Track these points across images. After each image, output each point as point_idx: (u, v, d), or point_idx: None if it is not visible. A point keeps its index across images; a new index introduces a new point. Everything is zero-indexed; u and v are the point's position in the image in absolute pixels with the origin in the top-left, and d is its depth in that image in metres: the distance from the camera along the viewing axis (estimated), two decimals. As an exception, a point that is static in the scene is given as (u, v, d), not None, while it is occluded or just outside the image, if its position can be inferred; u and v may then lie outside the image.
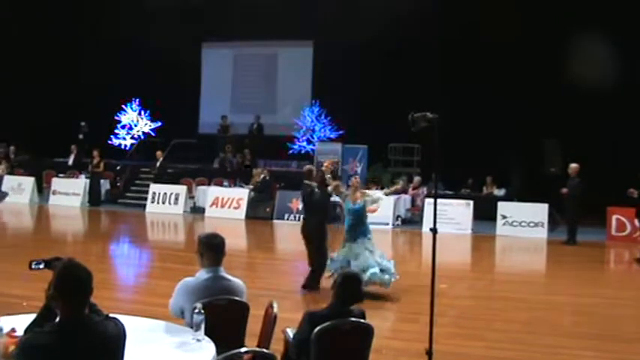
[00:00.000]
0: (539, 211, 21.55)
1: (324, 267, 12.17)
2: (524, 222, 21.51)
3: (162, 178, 26.24)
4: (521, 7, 24.55)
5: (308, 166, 13.88)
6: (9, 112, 28.78)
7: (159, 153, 27.06)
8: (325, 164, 13.16)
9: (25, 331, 4.45)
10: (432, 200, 21.45)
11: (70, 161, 28.56)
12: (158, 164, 26.75)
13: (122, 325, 4.33)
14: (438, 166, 7.37)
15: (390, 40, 25.83)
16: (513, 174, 24.27)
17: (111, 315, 4.41)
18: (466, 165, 23.12)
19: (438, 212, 7.01)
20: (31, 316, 4.94)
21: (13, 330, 5.16)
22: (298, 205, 22.09)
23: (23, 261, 4.89)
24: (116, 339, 4.25)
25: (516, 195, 23.05)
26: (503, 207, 21.99)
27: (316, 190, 12.37)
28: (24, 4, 29.50)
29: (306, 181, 12.70)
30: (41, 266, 4.94)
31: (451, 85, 24.37)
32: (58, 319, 4.20)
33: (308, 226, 12.51)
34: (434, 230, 6.57)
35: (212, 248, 6.33)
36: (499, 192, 24.56)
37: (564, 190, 19.82)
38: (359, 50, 26.35)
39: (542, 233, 21.21)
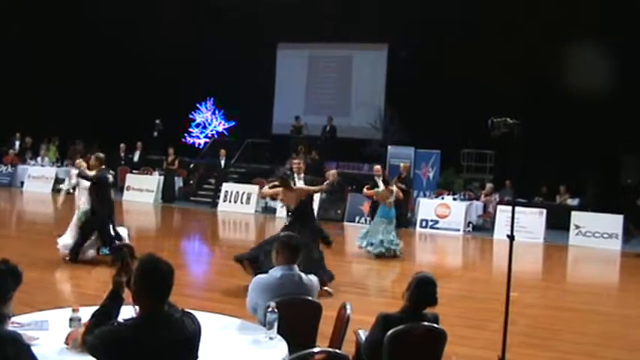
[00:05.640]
0: (614, 222, 21.00)
1: None
2: (598, 233, 21.06)
3: (226, 178, 26.59)
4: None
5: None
6: (84, 108, 29.27)
7: (222, 152, 27.29)
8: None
9: (93, 316, 4.46)
10: (504, 207, 21.57)
11: (136, 157, 28.98)
12: (223, 162, 27.01)
13: (198, 321, 4.38)
14: (516, 173, 7.29)
15: (465, 44, 25.58)
16: (588, 184, 23.88)
17: (187, 310, 4.45)
18: (539, 173, 22.79)
19: (510, 220, 6.91)
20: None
21: (91, 321, 5.24)
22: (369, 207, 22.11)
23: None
24: (193, 335, 4.30)
25: (591, 205, 22.66)
26: (576, 217, 21.56)
27: None
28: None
29: None
30: (106, 251, 5.08)
31: (529, 92, 23.97)
32: (138, 313, 4.24)
33: None
34: (511, 237, 6.48)
35: (289, 247, 6.39)
36: (573, 201, 24.17)
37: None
38: (434, 54, 26.22)
39: (616, 245, 20.71)
